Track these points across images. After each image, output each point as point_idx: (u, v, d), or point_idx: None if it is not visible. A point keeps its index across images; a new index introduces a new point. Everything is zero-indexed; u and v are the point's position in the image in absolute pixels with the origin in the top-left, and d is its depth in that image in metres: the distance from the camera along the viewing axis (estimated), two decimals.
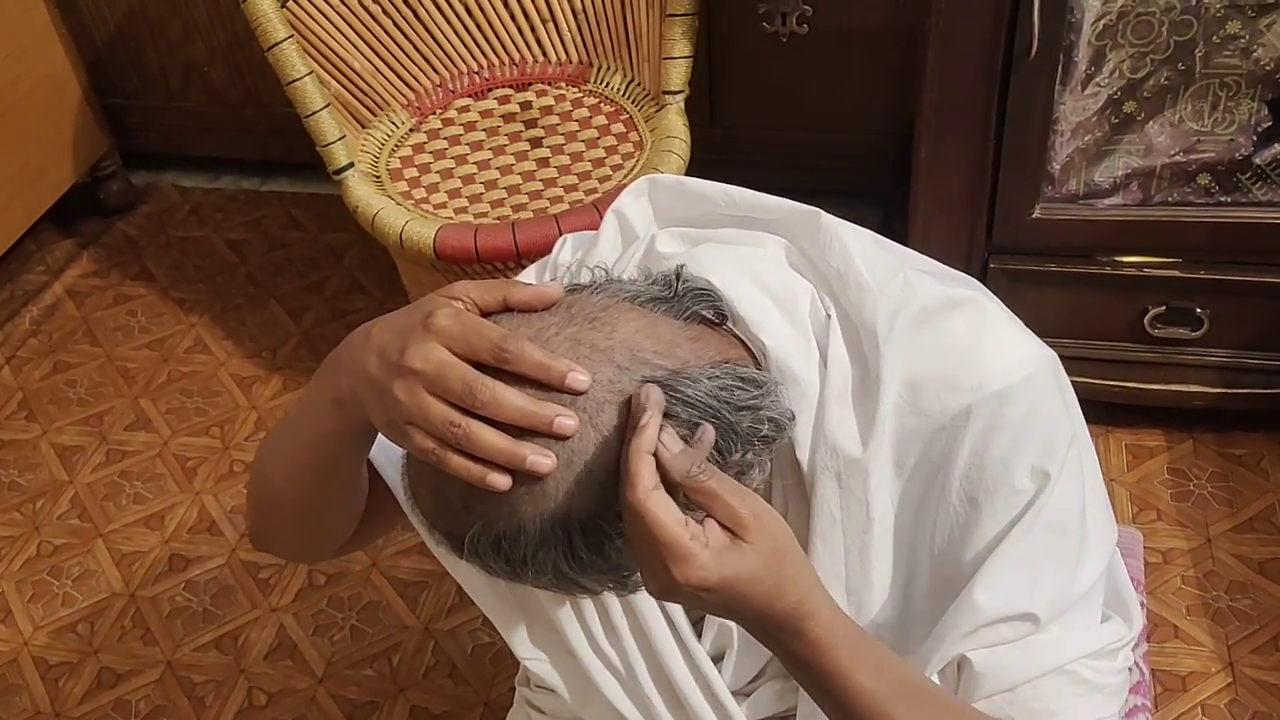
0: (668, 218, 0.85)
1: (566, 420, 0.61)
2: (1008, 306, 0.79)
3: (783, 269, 0.78)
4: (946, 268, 0.84)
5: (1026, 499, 0.72)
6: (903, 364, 0.73)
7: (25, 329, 2.23)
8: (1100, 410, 1.72)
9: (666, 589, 0.63)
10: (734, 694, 0.86)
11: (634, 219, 0.85)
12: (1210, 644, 1.51)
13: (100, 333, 2.20)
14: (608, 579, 0.68)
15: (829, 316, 0.77)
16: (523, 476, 0.62)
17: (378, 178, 1.76)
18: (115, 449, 1.97)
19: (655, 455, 0.62)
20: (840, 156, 2.15)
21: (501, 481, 0.62)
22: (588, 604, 0.84)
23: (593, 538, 0.64)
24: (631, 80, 1.85)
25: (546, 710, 1.04)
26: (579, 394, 0.62)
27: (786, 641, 0.67)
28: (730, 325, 0.72)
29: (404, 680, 1.58)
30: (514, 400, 0.61)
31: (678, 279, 0.71)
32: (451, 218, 1.68)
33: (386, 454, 0.82)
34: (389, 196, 1.71)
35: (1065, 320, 1.68)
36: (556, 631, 0.85)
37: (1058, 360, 0.77)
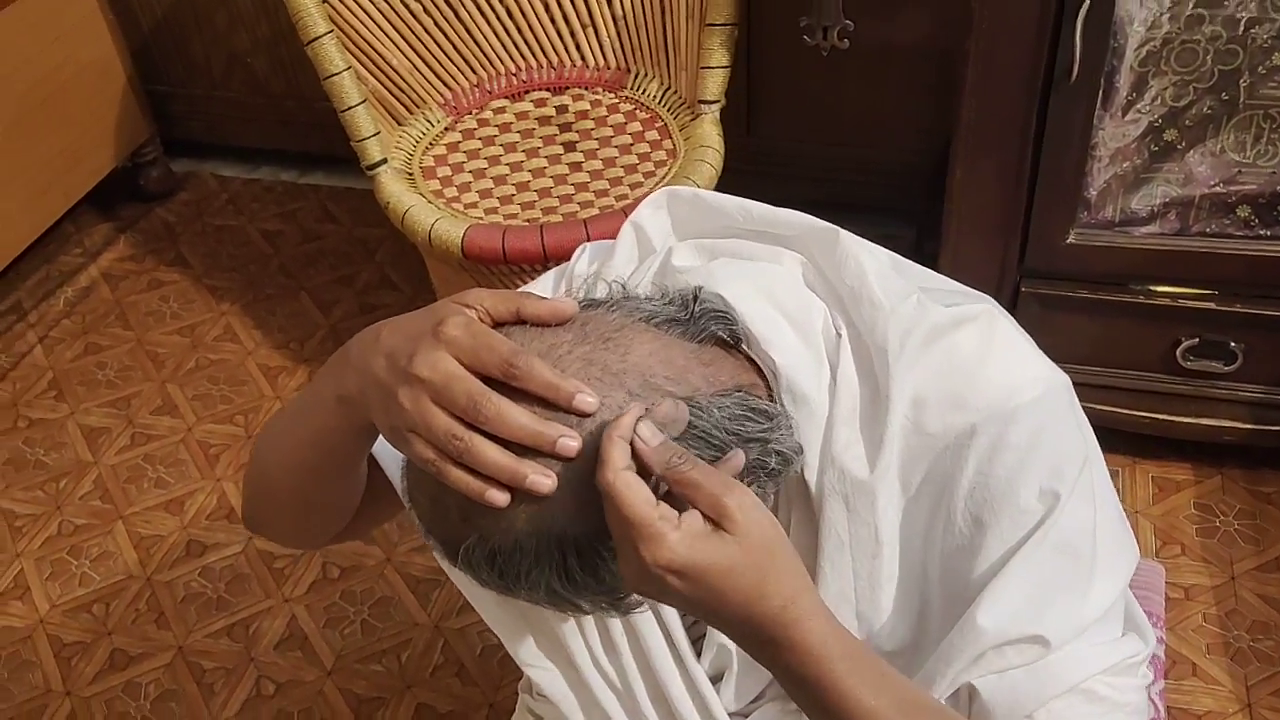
0: (685, 231, 0.84)
1: (570, 442, 0.61)
2: (1037, 332, 0.78)
3: (798, 287, 0.78)
4: (966, 288, 0.83)
5: (1035, 519, 0.70)
6: (911, 383, 0.72)
7: (59, 310, 2.26)
8: (1128, 441, 1.70)
9: (637, 574, 0.61)
10: (734, 715, 0.85)
11: (651, 231, 0.84)
12: (1229, 684, 1.48)
13: (133, 316, 2.23)
14: (601, 600, 0.67)
15: (840, 336, 0.76)
16: (522, 494, 0.61)
17: (410, 175, 1.76)
18: (140, 432, 1.98)
19: (632, 446, 0.61)
20: (876, 172, 2.14)
21: (500, 498, 0.61)
22: (588, 620, 0.83)
23: (588, 559, 0.64)
24: (668, 88, 1.85)
25: (545, 717, 1.04)
26: (587, 416, 0.62)
27: (774, 651, 0.64)
28: (746, 348, 0.72)
29: (412, 677, 1.58)
30: (519, 418, 0.61)
31: (695, 300, 0.70)
32: (481, 218, 1.68)
33: (389, 448, 0.81)
34: (420, 194, 1.71)
35: (1096, 348, 1.66)
36: (559, 643, 0.85)
37: (1069, 384, 0.76)
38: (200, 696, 1.58)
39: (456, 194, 1.74)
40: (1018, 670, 0.71)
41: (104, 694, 1.59)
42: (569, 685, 0.86)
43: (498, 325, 0.65)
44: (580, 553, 0.63)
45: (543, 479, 0.61)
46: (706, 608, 0.63)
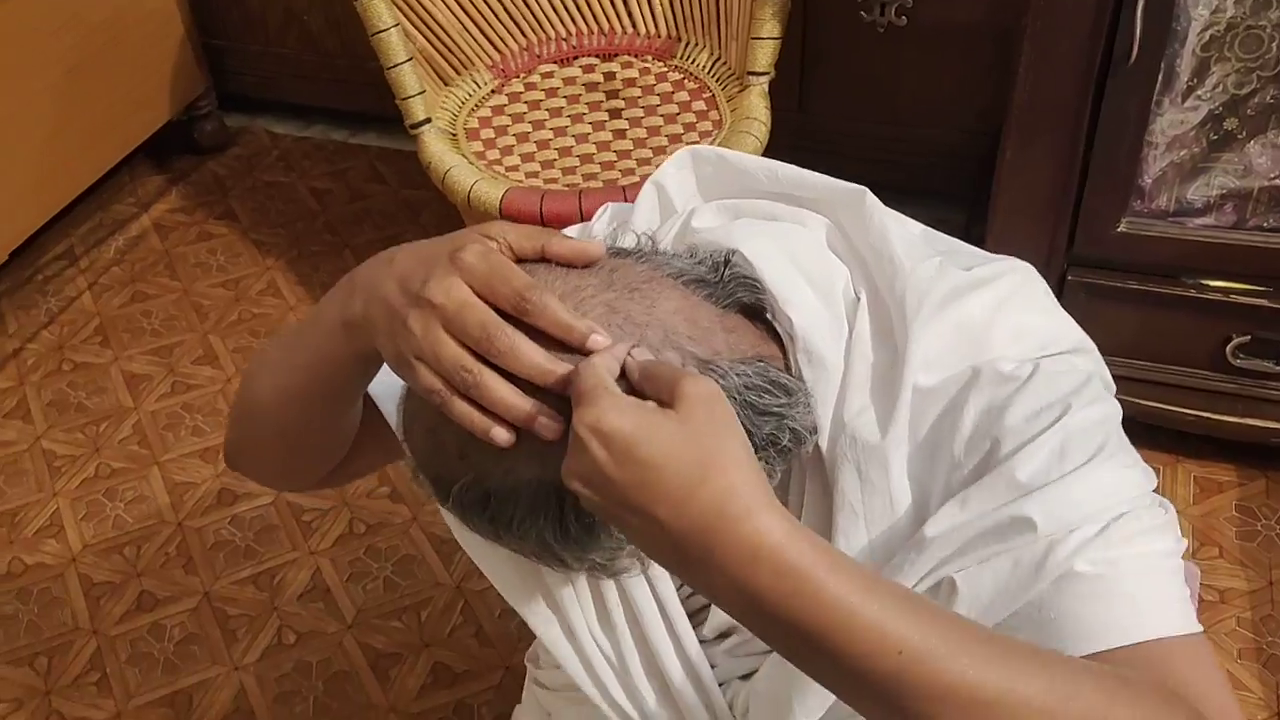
0: (709, 191, 0.83)
1: None
2: (1082, 322, 0.75)
3: (820, 249, 0.75)
4: (998, 256, 0.80)
5: (1039, 428, 0.64)
6: (924, 344, 0.69)
7: (110, 257, 2.29)
8: (1171, 439, 1.66)
9: (581, 458, 0.55)
10: (734, 681, 0.84)
11: (673, 191, 0.82)
12: (1259, 690, 1.44)
13: (180, 267, 2.25)
14: (590, 558, 0.65)
15: (859, 299, 0.74)
16: (527, 436, 0.59)
17: (454, 136, 1.76)
18: (181, 381, 2.01)
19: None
20: (928, 154, 2.10)
21: (505, 437, 0.59)
22: (584, 587, 0.81)
23: (586, 515, 0.61)
24: (718, 58, 1.82)
25: (551, 686, 1.03)
26: None
27: (720, 561, 0.53)
28: (770, 318, 0.70)
29: (430, 635, 1.59)
30: (533, 355, 0.58)
31: (726, 264, 0.68)
32: (521, 181, 1.67)
33: (387, 389, 0.79)
34: (463, 155, 1.71)
35: (1142, 341, 1.61)
36: (559, 606, 0.83)
37: (1095, 353, 0.73)
38: (223, 641, 1.60)
39: (499, 156, 1.73)
40: (1001, 558, 0.63)
41: (129, 634, 1.61)
42: (569, 644, 0.85)
43: (519, 261, 0.63)
44: (579, 507, 0.60)
45: (551, 422, 0.58)
46: (633, 500, 0.54)
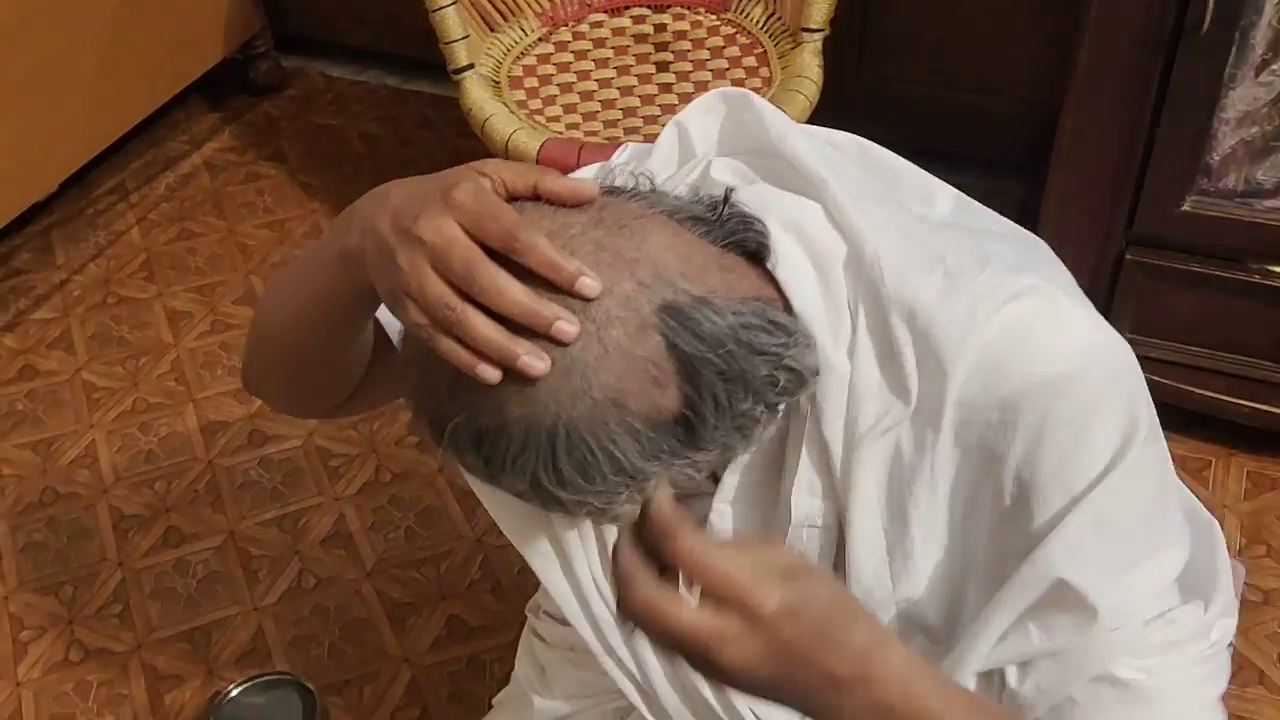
0: (731, 143, 0.78)
1: (567, 326, 0.57)
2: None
3: (824, 224, 0.71)
4: (1017, 229, 0.77)
5: (1085, 488, 0.66)
6: (965, 361, 0.66)
7: (160, 194, 2.30)
8: (1225, 431, 1.58)
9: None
10: None
11: (695, 135, 0.79)
12: None
13: (227, 207, 2.25)
14: (588, 501, 0.63)
15: (857, 295, 0.69)
16: (514, 375, 0.58)
17: (497, 83, 1.73)
18: (220, 320, 2.01)
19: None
20: (986, 122, 2.02)
21: (490, 374, 0.58)
22: (588, 530, 0.79)
23: (577, 454, 0.60)
24: (772, 14, 1.76)
25: (550, 640, 1.01)
26: (588, 300, 0.58)
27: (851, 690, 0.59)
28: (770, 266, 0.67)
29: (447, 588, 1.58)
30: (515, 293, 0.58)
31: (725, 202, 0.66)
32: (561, 133, 1.64)
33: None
34: (504, 103, 1.68)
35: (1200, 328, 1.54)
36: (563, 550, 0.81)
37: (1130, 352, 0.70)
38: (244, 581, 1.60)
39: (540, 106, 1.69)
40: (1045, 662, 0.68)
41: (154, 568, 1.63)
42: (570, 589, 0.83)
43: (511, 199, 0.62)
44: (571, 446, 0.59)
45: (535, 361, 0.57)
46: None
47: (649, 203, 0.64)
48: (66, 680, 1.50)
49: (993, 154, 1.98)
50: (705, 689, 0.79)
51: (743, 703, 0.80)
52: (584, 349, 0.58)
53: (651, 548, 0.59)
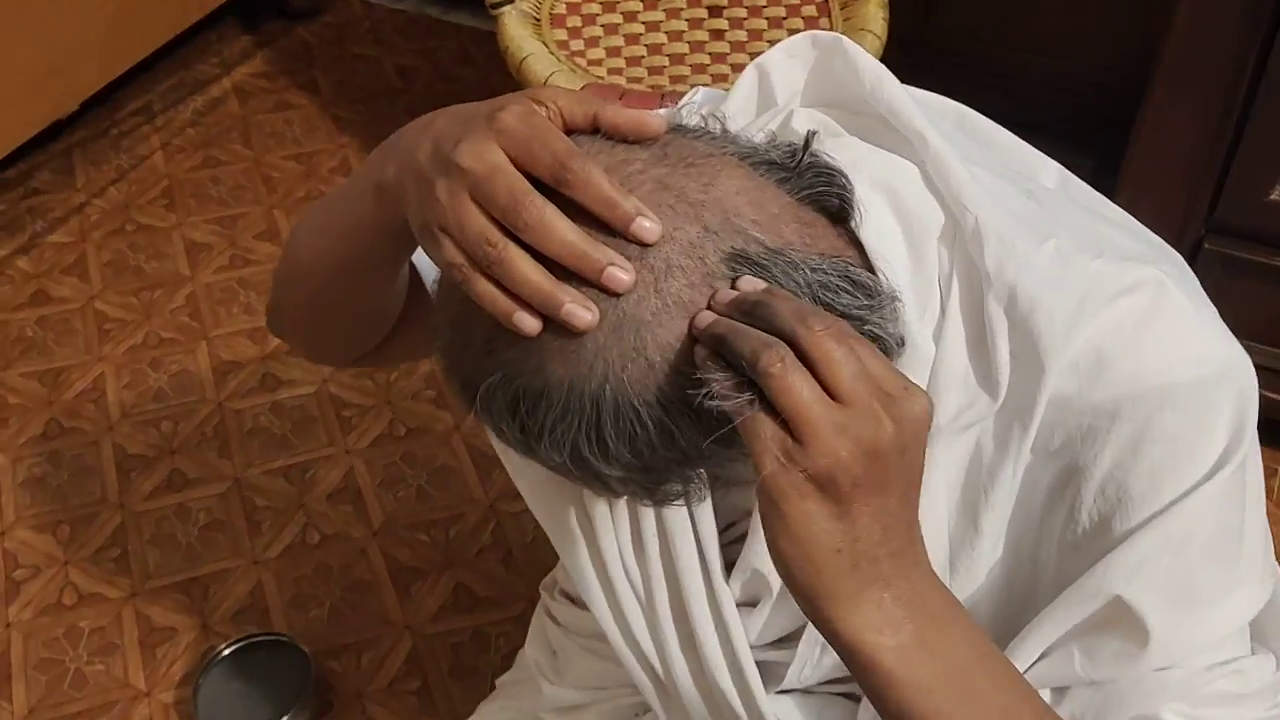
0: (817, 92, 0.70)
1: (621, 273, 0.51)
2: (1217, 299, 0.64)
3: (920, 188, 0.63)
4: (1144, 231, 0.69)
5: (1164, 511, 0.60)
6: (1059, 346, 0.59)
7: (186, 118, 2.22)
8: None
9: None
10: (759, 648, 0.73)
11: (778, 81, 0.70)
12: None
13: (255, 136, 2.17)
14: (633, 478, 0.56)
15: (951, 272, 0.62)
16: (557, 328, 0.51)
17: (538, 20, 1.62)
18: (240, 255, 1.93)
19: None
20: (1060, 89, 1.89)
21: (530, 325, 0.52)
22: (622, 511, 0.72)
23: (624, 423, 0.53)
24: None
25: (566, 625, 0.94)
26: (646, 245, 0.51)
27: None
28: (854, 228, 0.59)
29: (456, 555, 1.50)
30: (564, 232, 0.51)
31: (805, 148, 0.58)
32: (602, 77, 1.53)
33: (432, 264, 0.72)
34: (543, 42, 1.57)
35: (1278, 327, 1.43)
36: (589, 526, 0.74)
37: (1252, 371, 0.61)
38: (246, 533, 1.54)
39: (583, 47, 1.58)
40: (1084, 688, 0.62)
41: (155, 512, 1.56)
42: (595, 572, 0.76)
43: (568, 132, 0.55)
44: (618, 414, 0.53)
45: (582, 312, 0.51)
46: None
47: (720, 143, 0.57)
48: (58, 624, 1.44)
49: (1062, 123, 1.85)
50: (731, 691, 0.72)
51: (769, 708, 0.73)
52: (639, 302, 0.51)
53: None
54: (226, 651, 1.36)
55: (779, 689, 0.77)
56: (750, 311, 0.51)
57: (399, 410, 1.68)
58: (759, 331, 0.50)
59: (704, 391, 0.51)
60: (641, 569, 0.72)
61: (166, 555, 1.51)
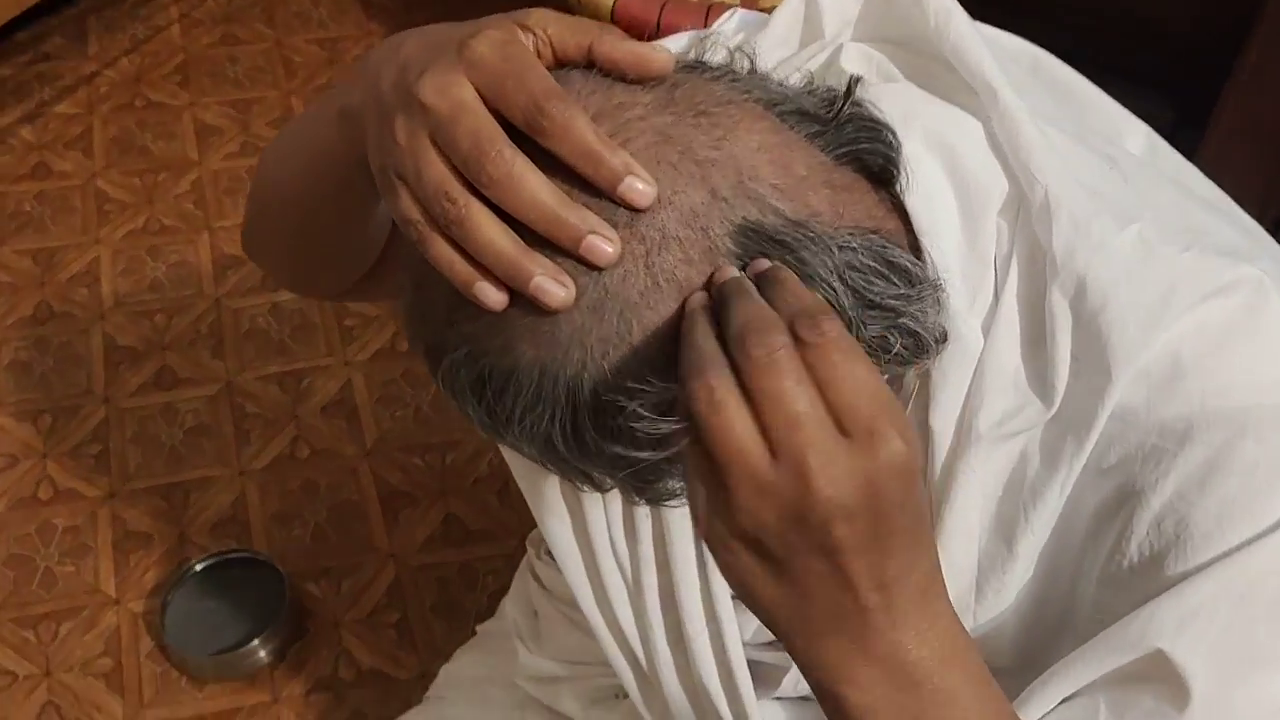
0: (873, 25, 0.60)
1: (603, 244, 0.42)
2: None
3: (983, 149, 0.54)
4: (1241, 216, 0.60)
5: (1233, 547, 0.50)
6: (1131, 351, 0.50)
7: None
8: None
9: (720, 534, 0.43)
10: (751, 646, 0.67)
11: (827, 9, 0.61)
12: None
13: (279, 14, 2.05)
14: (617, 475, 0.49)
15: (1011, 251, 0.53)
16: (527, 303, 0.43)
17: None
18: (251, 142, 1.83)
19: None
20: (1146, 33, 1.75)
21: (493, 298, 0.44)
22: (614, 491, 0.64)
23: (604, 418, 0.46)
24: None
25: (548, 587, 0.87)
26: (637, 210, 0.43)
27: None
28: (899, 192, 0.51)
29: (450, 483, 1.43)
30: (535, 190, 0.42)
31: (847, 96, 0.49)
32: None
33: None
34: None
35: None
36: (576, 502, 0.67)
37: None
38: (234, 440, 1.47)
39: None
40: None
41: (141, 410, 1.49)
42: (579, 550, 0.69)
43: (561, 65, 0.47)
44: (597, 408, 0.45)
45: (554, 287, 0.43)
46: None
47: (743, 87, 0.47)
48: (31, 519, 1.38)
49: (1142, 69, 1.71)
50: (718, 693, 0.66)
51: (757, 716, 0.66)
52: (625, 278, 0.43)
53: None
54: (200, 566, 1.29)
55: (773, 695, 0.70)
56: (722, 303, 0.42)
57: (404, 325, 1.59)
58: (707, 346, 0.41)
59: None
60: (631, 550, 0.65)
61: (148, 457, 1.44)
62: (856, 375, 0.40)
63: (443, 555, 1.36)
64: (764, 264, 0.44)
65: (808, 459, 0.39)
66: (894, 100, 0.53)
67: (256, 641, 1.24)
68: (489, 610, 0.97)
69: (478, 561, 1.36)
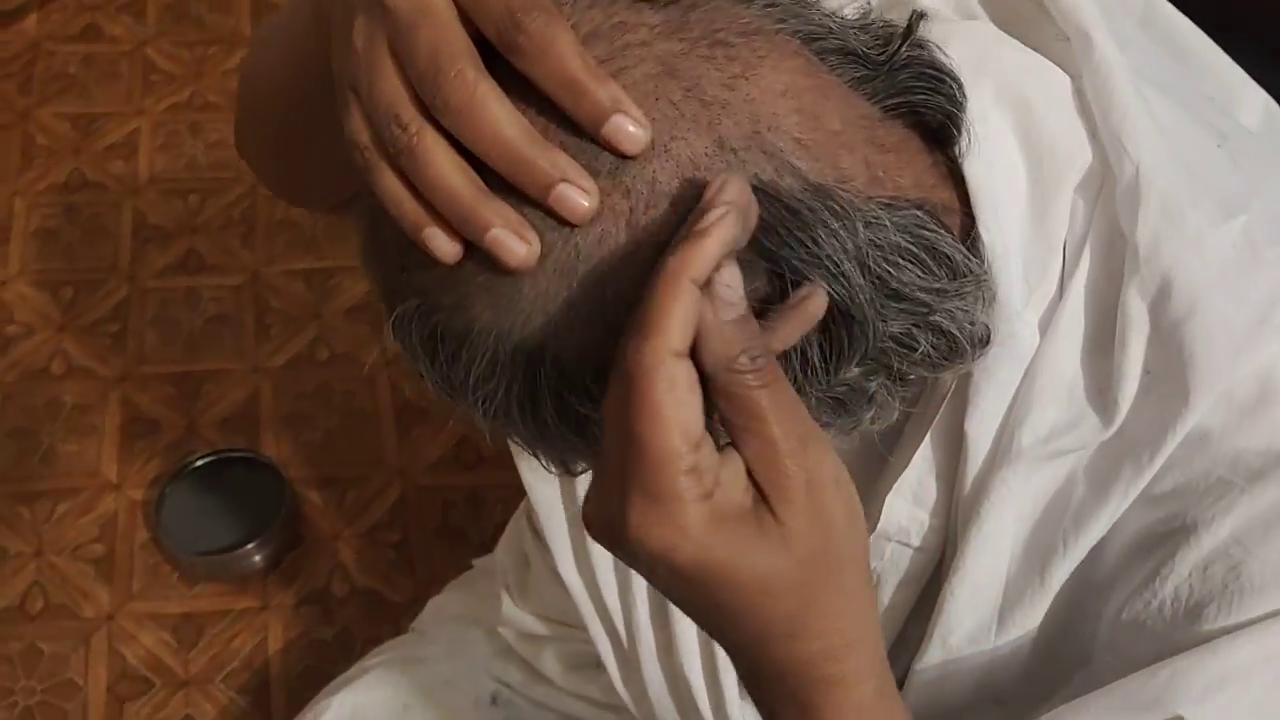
0: None
1: (577, 196, 0.36)
2: None
3: (1069, 108, 0.46)
4: None
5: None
6: (1218, 369, 0.43)
7: None
8: None
9: (609, 529, 0.37)
10: None
11: None
12: None
13: None
14: (573, 458, 0.44)
15: (1086, 236, 0.45)
16: (485, 258, 0.37)
17: None
18: None
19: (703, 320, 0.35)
20: None
21: (445, 248, 0.37)
22: None
23: (567, 401, 0.40)
24: None
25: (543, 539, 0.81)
26: (625, 156, 0.36)
27: (785, 710, 0.42)
28: (958, 156, 0.43)
29: None
30: (500, 123, 0.36)
31: (906, 36, 0.41)
32: None
33: None
34: None
35: None
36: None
37: None
38: (253, 334, 1.42)
39: None
40: None
41: (163, 291, 1.45)
42: (564, 508, 0.65)
43: None
44: (562, 383, 0.39)
45: (514, 242, 0.36)
46: (701, 617, 0.41)
47: (778, 15, 0.40)
48: (41, 393, 1.35)
49: (1251, 25, 1.57)
50: (696, 678, 0.62)
51: (738, 714, 0.62)
52: (601, 239, 0.37)
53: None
54: (200, 462, 1.25)
55: None
56: None
57: None
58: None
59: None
60: None
61: (166, 341, 1.40)
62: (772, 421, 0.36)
63: (452, 478, 1.31)
64: (730, 276, 0.36)
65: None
66: (966, 42, 0.44)
67: (251, 545, 1.20)
68: (494, 542, 0.92)
69: (487, 489, 1.30)
